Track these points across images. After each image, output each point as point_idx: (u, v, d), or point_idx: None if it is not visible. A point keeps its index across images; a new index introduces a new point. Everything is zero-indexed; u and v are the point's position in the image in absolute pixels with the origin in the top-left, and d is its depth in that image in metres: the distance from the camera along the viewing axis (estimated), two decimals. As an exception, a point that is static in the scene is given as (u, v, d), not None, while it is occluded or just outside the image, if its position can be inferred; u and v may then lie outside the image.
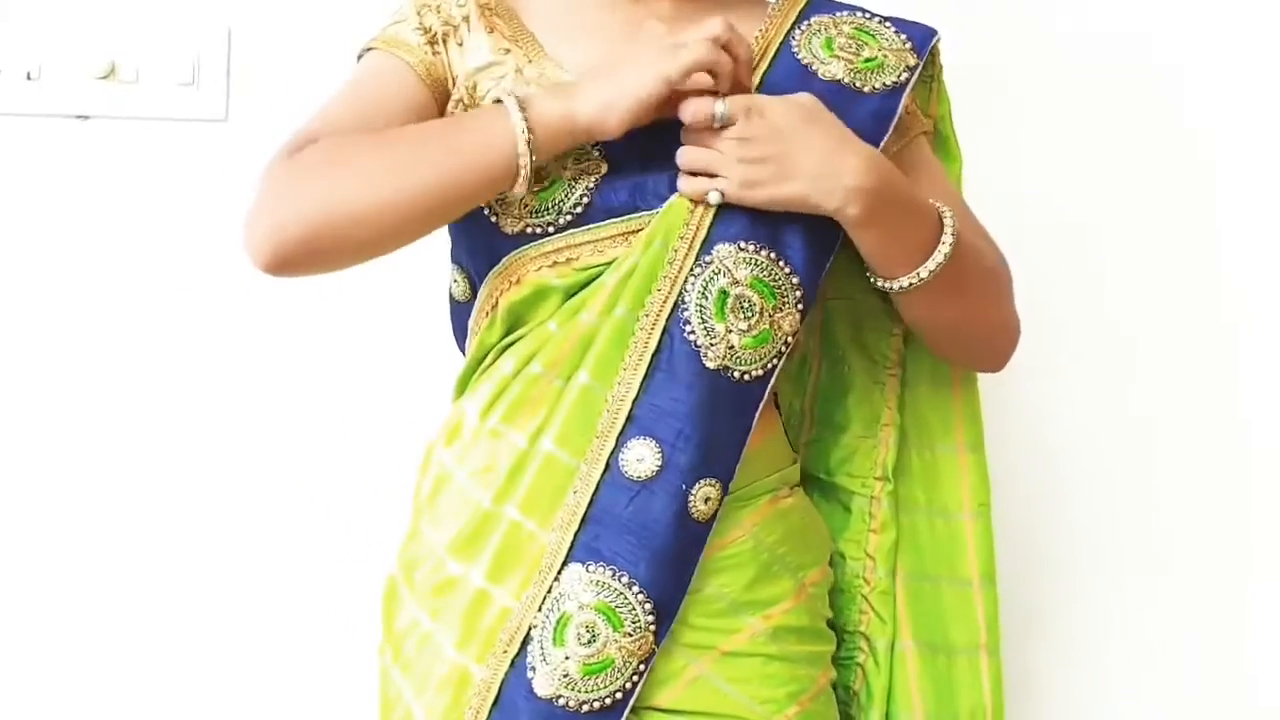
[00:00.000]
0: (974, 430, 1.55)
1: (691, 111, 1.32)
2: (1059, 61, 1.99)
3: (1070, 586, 1.97)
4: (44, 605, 1.93)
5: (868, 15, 1.47)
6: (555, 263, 1.38)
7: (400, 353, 1.91)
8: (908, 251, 1.38)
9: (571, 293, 1.39)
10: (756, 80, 1.40)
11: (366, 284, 1.89)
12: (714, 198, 1.34)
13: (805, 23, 1.45)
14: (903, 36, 1.45)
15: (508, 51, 1.43)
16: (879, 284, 1.40)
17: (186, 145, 1.93)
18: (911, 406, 1.54)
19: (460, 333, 1.50)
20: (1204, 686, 1.99)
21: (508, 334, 1.42)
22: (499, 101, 1.33)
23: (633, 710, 1.36)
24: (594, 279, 1.38)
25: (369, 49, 1.45)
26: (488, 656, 1.34)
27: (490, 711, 1.33)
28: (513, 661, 1.33)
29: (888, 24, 1.46)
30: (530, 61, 1.42)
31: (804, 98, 1.36)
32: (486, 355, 1.44)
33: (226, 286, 1.92)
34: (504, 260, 1.40)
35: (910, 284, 1.39)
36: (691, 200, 1.35)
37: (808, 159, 1.33)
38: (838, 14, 1.47)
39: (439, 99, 1.42)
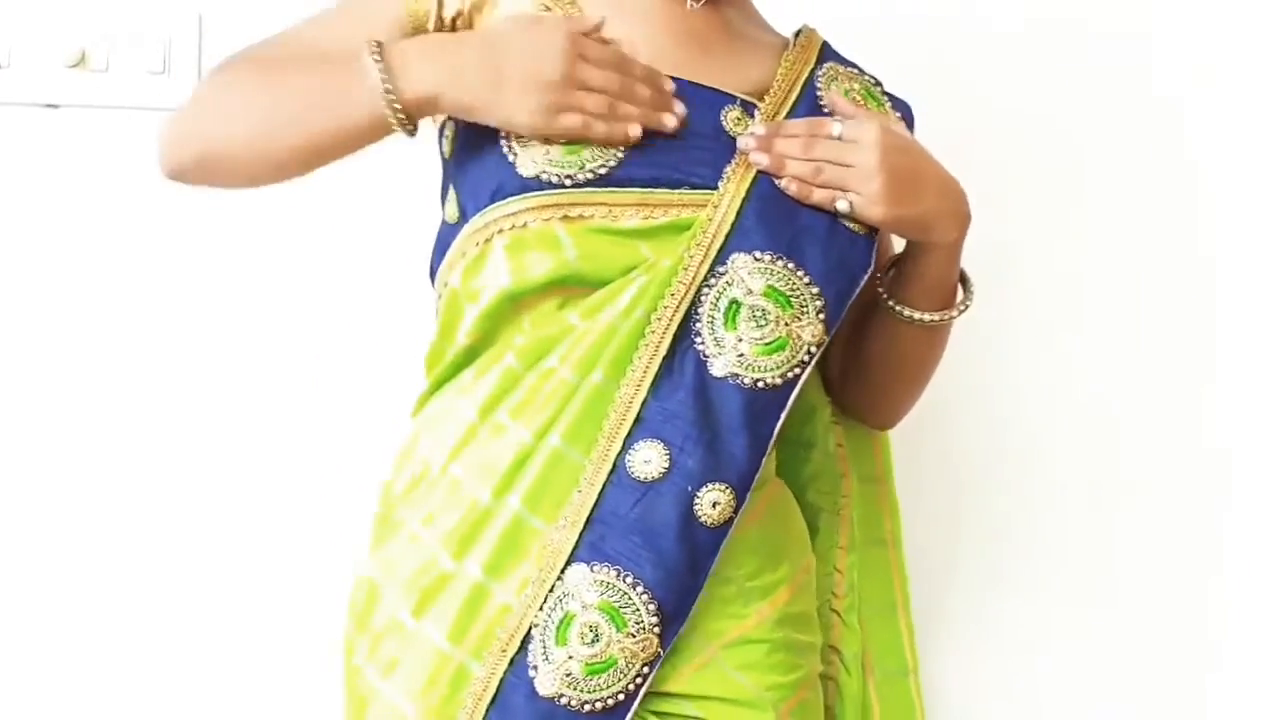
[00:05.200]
0: (886, 463, 1.61)
1: (809, 128, 1.38)
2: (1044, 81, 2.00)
3: (979, 606, 1.98)
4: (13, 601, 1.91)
5: (870, 79, 1.52)
6: (567, 216, 1.37)
7: (371, 349, 1.89)
8: (946, 290, 1.47)
9: (583, 273, 1.38)
10: (785, 112, 1.43)
11: (342, 275, 1.91)
12: (843, 206, 1.39)
13: (824, 65, 1.49)
14: (896, 114, 1.51)
15: None
16: (910, 314, 1.46)
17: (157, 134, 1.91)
18: (846, 435, 1.59)
19: (439, 258, 1.47)
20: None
21: (511, 288, 1.39)
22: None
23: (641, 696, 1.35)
24: (604, 268, 1.38)
25: None
26: (484, 654, 1.34)
27: (487, 710, 1.34)
28: (512, 660, 1.33)
29: (883, 94, 1.52)
30: None
31: (901, 127, 1.45)
32: (469, 312, 1.41)
33: (198, 275, 1.91)
34: (512, 198, 1.38)
35: (934, 320, 1.47)
36: (813, 204, 1.38)
37: (933, 182, 1.42)
38: (848, 68, 1.51)
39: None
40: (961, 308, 1.48)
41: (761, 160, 1.38)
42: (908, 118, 1.52)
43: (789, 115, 1.43)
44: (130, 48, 1.91)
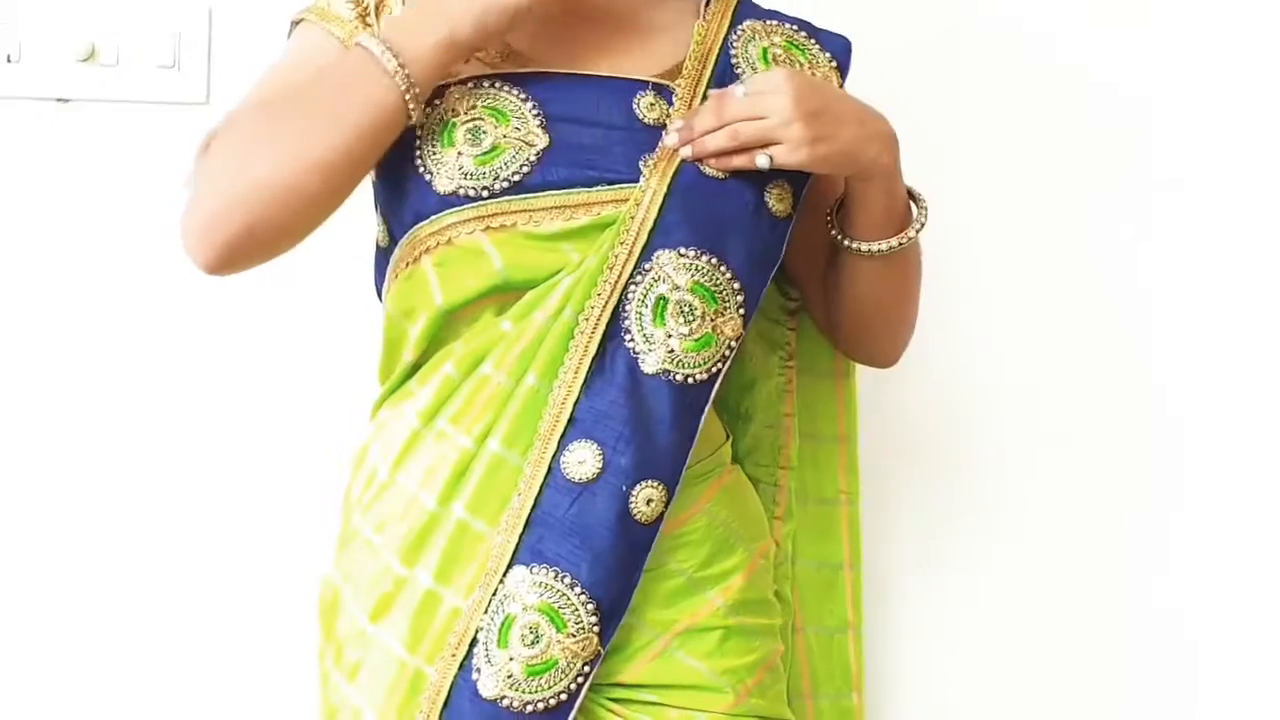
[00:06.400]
0: (851, 421, 1.61)
1: (714, 102, 1.37)
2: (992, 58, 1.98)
3: (926, 569, 1.96)
4: None
5: (793, 26, 1.50)
6: (489, 227, 1.37)
7: (334, 353, 1.88)
8: (896, 215, 1.43)
9: (513, 282, 1.38)
10: (701, 90, 1.42)
11: (316, 284, 1.89)
12: (763, 162, 1.36)
13: (739, 27, 1.47)
14: (827, 54, 1.49)
15: None
16: (866, 247, 1.43)
17: (168, 128, 1.90)
18: (801, 397, 1.58)
19: (380, 279, 1.49)
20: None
21: (443, 305, 1.39)
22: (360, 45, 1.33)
23: (596, 689, 1.37)
24: (534, 274, 1.37)
25: (300, 19, 1.45)
26: (437, 658, 1.35)
27: (441, 713, 1.35)
28: (461, 664, 1.34)
29: (810, 37, 1.49)
30: None
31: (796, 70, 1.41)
32: (410, 331, 1.41)
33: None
34: (433, 218, 1.38)
35: (891, 247, 1.43)
36: (734, 170, 1.37)
37: (850, 113, 1.38)
38: (767, 21, 1.49)
39: None
40: (918, 226, 1.44)
41: (687, 152, 1.37)
42: (841, 57, 1.49)
43: (706, 91, 1.41)
44: (140, 42, 1.91)
